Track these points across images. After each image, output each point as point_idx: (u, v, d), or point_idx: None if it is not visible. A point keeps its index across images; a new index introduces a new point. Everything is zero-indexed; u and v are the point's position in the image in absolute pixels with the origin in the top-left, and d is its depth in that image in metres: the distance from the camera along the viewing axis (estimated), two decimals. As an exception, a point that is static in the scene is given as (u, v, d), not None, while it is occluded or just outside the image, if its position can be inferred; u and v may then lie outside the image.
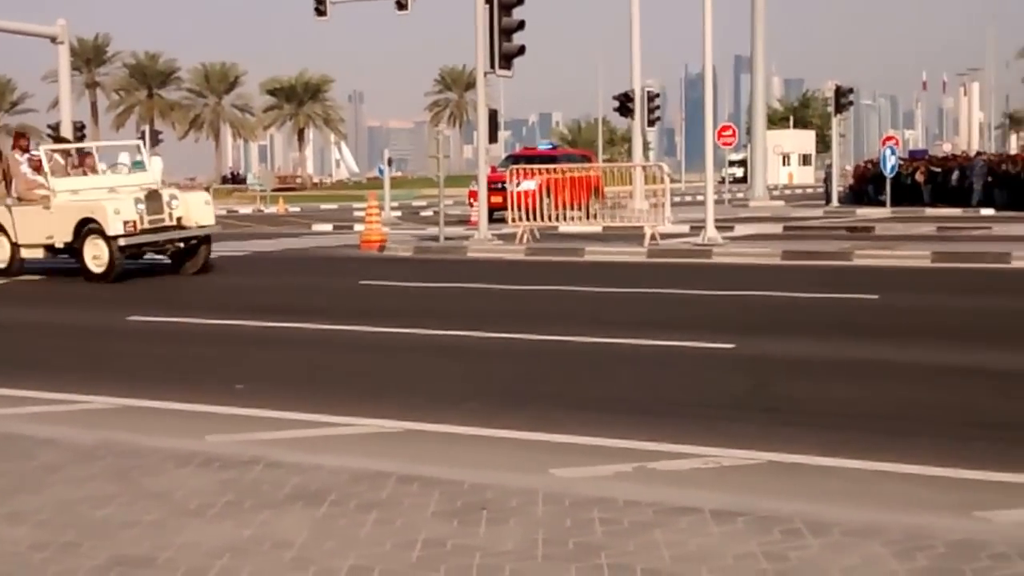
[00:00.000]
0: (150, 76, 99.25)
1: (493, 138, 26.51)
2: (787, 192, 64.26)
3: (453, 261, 22.51)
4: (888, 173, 38.33)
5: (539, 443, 7.40)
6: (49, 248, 19.62)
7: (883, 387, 9.09)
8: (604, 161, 68.59)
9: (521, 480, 6.12)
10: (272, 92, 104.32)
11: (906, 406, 8.33)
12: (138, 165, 21.12)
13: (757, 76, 49.30)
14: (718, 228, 23.98)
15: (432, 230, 28.48)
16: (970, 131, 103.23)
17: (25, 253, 19.89)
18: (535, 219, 25.17)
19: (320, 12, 34.46)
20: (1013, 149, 79.89)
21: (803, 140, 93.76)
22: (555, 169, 27.86)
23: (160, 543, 5.11)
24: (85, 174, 20.33)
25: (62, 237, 19.16)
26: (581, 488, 5.94)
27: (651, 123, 38.62)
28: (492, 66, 25.21)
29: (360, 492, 5.87)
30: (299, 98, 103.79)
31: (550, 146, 45.62)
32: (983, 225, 28.33)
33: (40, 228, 19.40)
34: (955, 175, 40.14)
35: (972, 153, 49.61)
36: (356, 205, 41.03)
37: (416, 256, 23.86)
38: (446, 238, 25.43)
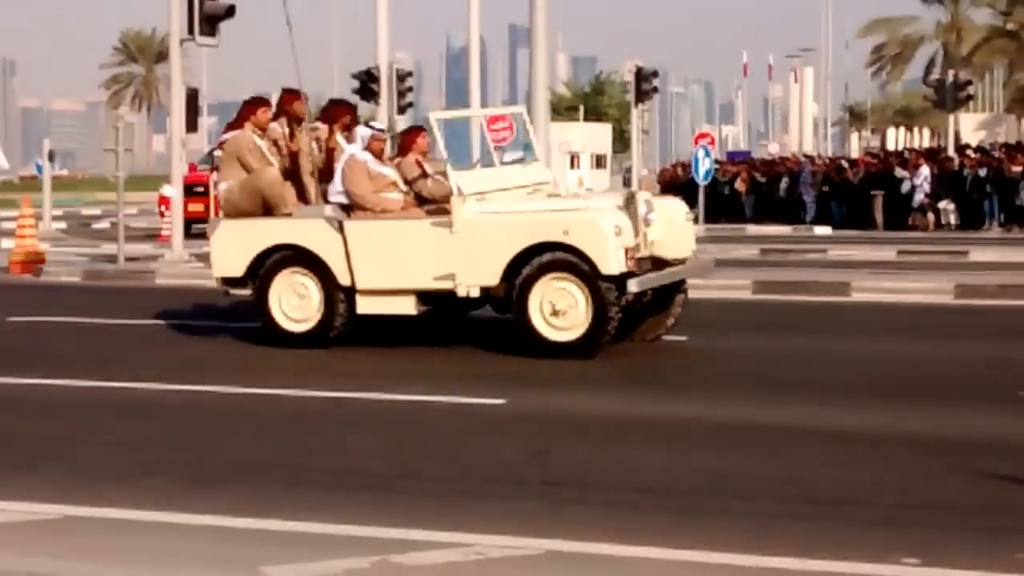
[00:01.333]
0: None
1: (192, 126, 26.22)
2: (576, 202, 65.47)
3: (136, 290, 22.14)
4: (701, 180, 39.38)
5: (246, 532, 7.36)
6: (429, 297, 14.49)
7: (689, 454, 9.36)
8: (340, 159, 68.65)
9: (221, 581, 6.07)
10: None
11: (717, 478, 8.60)
12: (528, 150, 16.60)
13: (538, 52, 49.83)
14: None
15: (109, 248, 27.91)
16: (802, 128, 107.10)
17: (369, 305, 14.60)
18: (247, 234, 24.92)
19: (-45, -49, 33.42)
20: (855, 151, 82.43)
21: (596, 136, 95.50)
22: (274, 168, 27.70)
23: None
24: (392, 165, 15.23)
25: (480, 278, 14.11)
26: (301, 590, 5.94)
27: (402, 110, 38.85)
28: (191, 31, 24.95)
29: (0, 602, 5.72)
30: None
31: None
32: (817, 247, 29.46)
33: (423, 262, 14.25)
34: (783, 184, 41.51)
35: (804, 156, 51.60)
36: (3, 213, 39.95)
37: (85, 283, 23.48)
38: (127, 259, 24.97)
